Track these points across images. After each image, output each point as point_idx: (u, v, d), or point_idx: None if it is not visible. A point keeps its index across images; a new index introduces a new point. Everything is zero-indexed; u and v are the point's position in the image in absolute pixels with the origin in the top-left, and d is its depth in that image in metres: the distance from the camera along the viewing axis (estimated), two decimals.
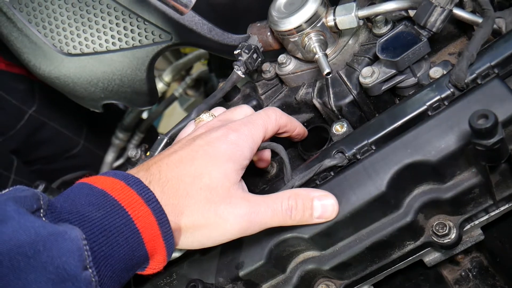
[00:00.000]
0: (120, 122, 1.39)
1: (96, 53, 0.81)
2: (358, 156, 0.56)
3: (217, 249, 0.61)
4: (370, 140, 0.55)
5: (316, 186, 0.57)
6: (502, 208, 0.55)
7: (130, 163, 0.78)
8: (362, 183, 0.54)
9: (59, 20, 0.79)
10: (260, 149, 0.59)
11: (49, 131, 1.19)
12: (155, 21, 0.77)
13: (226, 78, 1.28)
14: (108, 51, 0.81)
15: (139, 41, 0.80)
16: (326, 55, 0.62)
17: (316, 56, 0.62)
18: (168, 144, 0.71)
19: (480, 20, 0.58)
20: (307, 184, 0.57)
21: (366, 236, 0.56)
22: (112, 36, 0.80)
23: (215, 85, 1.84)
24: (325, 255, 0.57)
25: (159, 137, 0.73)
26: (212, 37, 0.77)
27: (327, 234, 0.56)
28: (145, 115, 1.59)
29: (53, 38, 0.80)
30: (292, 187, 0.56)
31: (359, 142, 0.56)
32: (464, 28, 0.67)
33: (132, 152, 0.77)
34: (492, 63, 0.52)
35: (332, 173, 0.57)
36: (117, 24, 0.79)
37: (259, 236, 0.57)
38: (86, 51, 0.81)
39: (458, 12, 0.59)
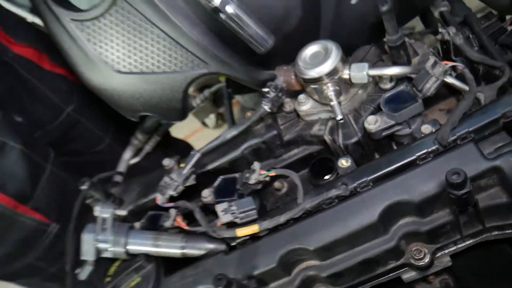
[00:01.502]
0: (141, 124, 1.52)
1: (142, 73, 0.94)
2: (358, 190, 0.70)
3: (237, 251, 0.74)
4: (369, 178, 0.69)
5: (323, 210, 0.71)
6: (467, 242, 0.70)
7: (164, 171, 0.91)
8: (359, 211, 0.68)
9: (114, 43, 0.92)
10: (277, 174, 0.73)
11: (82, 128, 1.32)
12: (195, 52, 0.91)
13: (241, 94, 1.41)
14: (153, 73, 0.94)
15: (180, 67, 0.93)
16: (339, 103, 0.76)
17: (332, 103, 0.76)
18: (200, 159, 0.85)
19: (466, 87, 0.72)
20: (316, 207, 0.71)
21: (358, 253, 0.70)
22: (158, 61, 0.93)
23: (223, 94, 1.98)
24: (324, 265, 0.72)
25: (191, 152, 0.87)
26: (242, 71, 0.91)
27: (328, 248, 0.70)
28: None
29: (107, 57, 0.93)
30: (303, 209, 0.70)
31: (360, 178, 0.70)
32: (453, 90, 0.81)
33: (166, 161, 0.90)
34: (470, 129, 0.66)
35: (336, 201, 0.71)
36: (163, 52, 0.92)
37: (272, 244, 0.71)
38: (134, 71, 0.94)
39: (449, 80, 0.73)
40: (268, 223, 0.71)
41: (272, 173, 0.76)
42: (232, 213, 0.73)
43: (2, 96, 1.13)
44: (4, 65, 1.14)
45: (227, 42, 0.90)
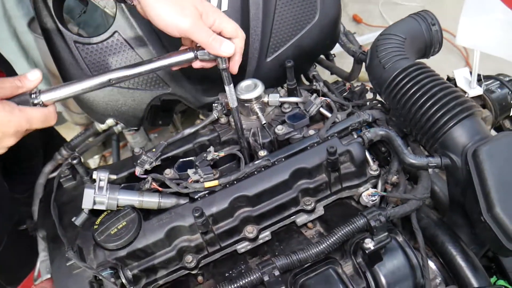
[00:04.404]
0: (67, 142, 1.77)
1: (120, 87, 1.31)
2: (276, 162, 1.18)
3: (199, 201, 1.13)
4: (282, 155, 1.19)
5: (255, 174, 1.16)
6: (333, 197, 1.22)
7: (134, 158, 1.25)
8: (277, 174, 1.16)
9: (103, 62, 1.28)
10: (225, 153, 1.18)
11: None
12: (163, 77, 1.33)
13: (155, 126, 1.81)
14: (128, 88, 1.32)
15: (149, 86, 1.33)
16: (263, 115, 1.26)
17: (259, 115, 1.26)
18: (166, 147, 1.24)
19: (329, 114, 1.30)
20: (251, 171, 1.16)
21: (275, 201, 1.16)
22: (134, 80, 1.31)
23: (112, 137, 2.30)
24: (254, 209, 1.15)
25: (160, 142, 1.25)
26: (192, 95, 1.36)
27: (258, 196, 1.14)
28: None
29: (95, 71, 1.28)
30: (244, 172, 1.15)
31: (277, 156, 1.19)
32: (322, 118, 1.39)
33: (136, 149, 1.26)
34: (335, 131, 1.22)
35: (263, 169, 1.18)
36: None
37: (224, 194, 1.12)
38: (116, 85, 1.30)
39: (321, 109, 1.30)
40: (223, 180, 1.13)
41: (222, 153, 1.20)
42: (199, 174, 1.13)
43: None
44: None
45: (184, 73, 1.35)
